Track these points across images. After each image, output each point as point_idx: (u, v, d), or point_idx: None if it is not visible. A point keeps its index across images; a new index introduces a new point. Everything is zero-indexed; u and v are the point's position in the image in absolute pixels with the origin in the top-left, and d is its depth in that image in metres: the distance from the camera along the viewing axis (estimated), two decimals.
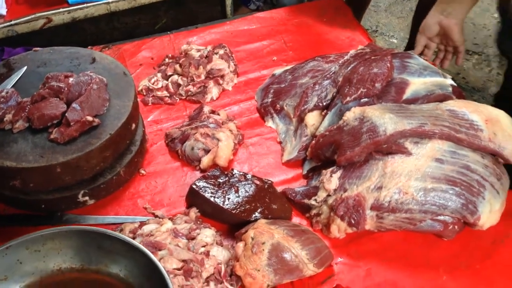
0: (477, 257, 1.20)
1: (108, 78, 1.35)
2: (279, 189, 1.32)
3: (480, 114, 1.23)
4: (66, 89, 1.27)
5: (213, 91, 1.58)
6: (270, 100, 1.53)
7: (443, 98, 1.33)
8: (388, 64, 1.33)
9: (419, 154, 1.17)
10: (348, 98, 1.32)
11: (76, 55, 1.44)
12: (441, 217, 1.16)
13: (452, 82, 1.39)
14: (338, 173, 1.23)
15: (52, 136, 1.20)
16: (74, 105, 1.24)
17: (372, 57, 1.40)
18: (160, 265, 0.80)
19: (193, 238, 1.16)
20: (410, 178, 1.15)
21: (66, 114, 1.22)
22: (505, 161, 1.23)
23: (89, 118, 1.22)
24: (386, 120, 1.19)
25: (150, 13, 2.97)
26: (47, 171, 1.16)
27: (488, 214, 1.16)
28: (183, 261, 1.08)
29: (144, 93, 1.59)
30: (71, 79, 1.31)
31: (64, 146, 1.19)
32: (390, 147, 1.19)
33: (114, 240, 0.85)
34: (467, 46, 2.93)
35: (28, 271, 0.86)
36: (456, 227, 1.18)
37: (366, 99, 1.32)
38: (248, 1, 2.86)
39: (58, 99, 1.27)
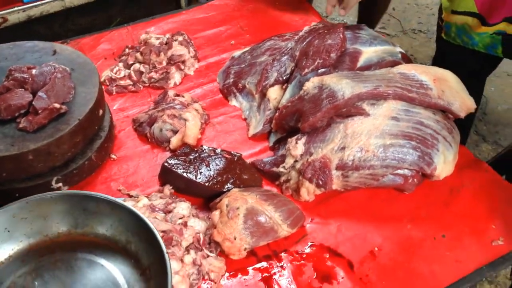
0: (436, 206, 1.29)
1: (70, 67, 1.37)
2: (248, 161, 1.37)
3: (428, 74, 1.32)
4: (30, 79, 1.29)
5: (176, 76, 1.62)
6: (232, 80, 1.58)
7: (393, 64, 1.41)
8: (341, 35, 1.41)
9: (376, 114, 1.25)
10: (306, 70, 1.40)
11: (37, 48, 1.45)
12: (401, 171, 1.24)
13: (401, 50, 1.49)
14: (303, 139, 1.30)
15: (21, 125, 1.22)
16: (40, 93, 1.26)
17: (325, 31, 1.48)
18: (144, 217, 0.84)
19: (169, 212, 1.19)
20: (370, 137, 1.23)
21: (33, 103, 1.23)
22: (454, 116, 1.33)
23: (56, 105, 1.25)
24: (343, 85, 1.26)
25: (104, 13, 2.97)
26: (19, 159, 1.18)
27: (443, 164, 1.26)
28: (163, 232, 1.11)
29: (108, 83, 1.62)
30: (34, 70, 1.32)
31: (34, 134, 1.21)
32: (349, 110, 1.26)
33: (99, 201, 0.88)
34: (412, 26, 3.09)
35: (17, 238, 0.88)
36: (415, 180, 1.27)
37: (323, 69, 1.39)
38: None
39: (23, 89, 1.28)
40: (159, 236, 0.81)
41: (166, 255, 0.77)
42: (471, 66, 1.71)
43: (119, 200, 0.90)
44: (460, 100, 1.31)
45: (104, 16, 2.52)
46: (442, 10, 1.65)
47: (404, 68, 1.35)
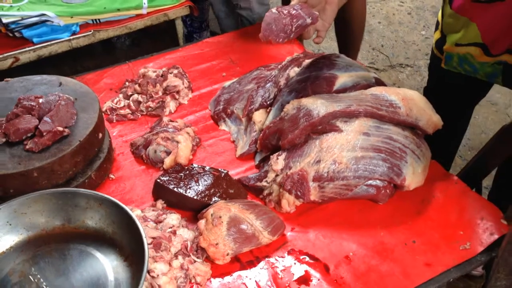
0: (409, 214, 1.38)
1: (74, 97, 1.52)
2: (235, 178, 1.49)
3: (397, 95, 1.45)
4: (37, 106, 1.44)
5: (171, 105, 1.77)
6: (221, 107, 1.72)
7: (367, 87, 1.55)
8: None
9: (349, 130, 1.38)
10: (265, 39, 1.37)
11: (44, 81, 1.61)
12: (373, 182, 1.35)
13: (375, 75, 1.62)
14: (283, 155, 1.42)
15: (27, 147, 1.35)
16: (45, 118, 1.40)
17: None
18: (128, 210, 0.96)
19: (160, 222, 1.31)
20: (343, 150, 1.34)
21: (39, 126, 1.37)
22: (423, 132, 1.45)
23: (60, 128, 1.38)
24: (318, 105, 1.40)
25: (110, 56, 3.18)
26: (25, 176, 1.30)
27: (412, 175, 1.37)
28: (153, 238, 1.22)
29: (109, 113, 1.76)
30: (41, 99, 1.47)
31: (39, 154, 1.34)
32: (324, 127, 1.39)
33: (89, 197, 1.00)
34: (400, 61, 3.26)
35: (17, 231, 0.99)
36: (387, 190, 1.37)
37: (303, 93, 1.52)
38: (192, 38, 3.14)
39: (30, 115, 1.43)
40: (140, 225, 0.92)
41: (145, 240, 0.88)
42: (464, 93, 1.82)
43: (107, 196, 1.02)
44: (427, 117, 1.43)
45: (110, 59, 2.71)
46: (439, 43, 1.71)
47: (376, 89, 1.48)
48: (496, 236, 1.31)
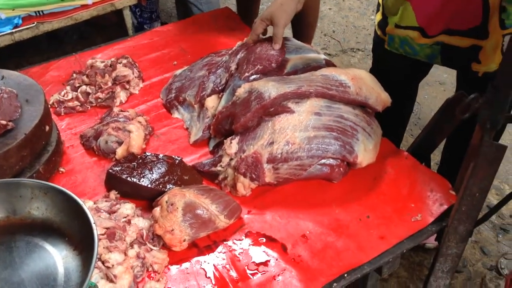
0: (362, 191, 1.41)
1: (18, 90, 1.46)
2: (190, 165, 1.48)
3: (347, 74, 1.47)
4: None
5: (121, 95, 1.73)
6: (173, 95, 1.70)
7: (318, 69, 1.56)
8: (284, 49, 1.56)
9: (301, 111, 1.39)
10: (246, 74, 1.51)
11: None
12: (326, 161, 1.37)
13: (325, 57, 1.64)
14: (237, 139, 1.42)
15: None
16: None
17: (258, 43, 1.62)
18: (74, 196, 0.93)
19: (114, 212, 1.28)
20: (295, 131, 1.35)
21: None
22: (373, 110, 1.48)
23: (3, 122, 1.33)
24: (269, 87, 1.40)
25: (58, 50, 3.08)
26: None
27: (364, 152, 1.39)
28: (106, 228, 1.20)
29: (56, 106, 1.71)
30: None
31: None
32: (276, 109, 1.39)
33: (33, 187, 0.97)
34: (351, 46, 3.31)
35: None
36: (341, 169, 1.40)
37: (254, 76, 1.52)
38: (142, 29, 3.08)
39: None
40: (88, 211, 0.90)
41: (94, 226, 0.86)
42: (406, 73, 1.87)
43: (52, 184, 0.99)
44: (376, 95, 1.46)
45: (59, 55, 2.63)
46: (381, 24, 1.75)
47: (325, 70, 1.50)
48: (445, 207, 1.35)
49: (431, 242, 2.09)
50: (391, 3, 1.61)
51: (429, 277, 1.40)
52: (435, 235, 1.38)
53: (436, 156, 2.35)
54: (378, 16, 1.77)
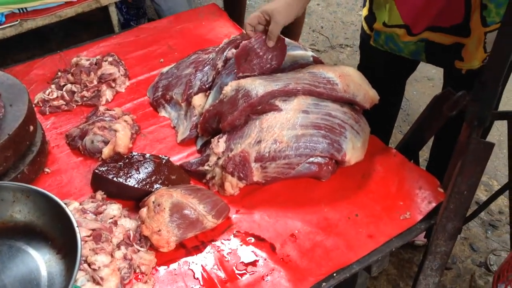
0: (350, 189, 1.41)
1: (1, 89, 1.43)
2: (177, 164, 1.46)
3: (334, 72, 1.46)
4: None
5: (107, 94, 1.71)
6: (160, 93, 1.68)
7: (305, 66, 1.55)
8: (285, 48, 1.52)
9: (288, 109, 1.38)
10: (240, 74, 1.47)
11: None
12: (315, 159, 1.36)
13: (313, 54, 1.63)
14: (224, 138, 1.40)
15: None
16: None
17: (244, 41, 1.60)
18: (57, 199, 0.92)
19: (100, 213, 1.26)
20: (283, 129, 1.34)
21: None
22: (360, 107, 1.47)
23: None
24: (256, 85, 1.38)
25: (43, 48, 3.04)
26: None
27: (352, 150, 1.39)
28: (92, 229, 1.18)
29: (41, 105, 1.68)
30: None
31: None
32: (264, 107, 1.38)
33: (15, 190, 0.95)
34: (339, 42, 3.30)
35: None
36: (329, 167, 1.39)
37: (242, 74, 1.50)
38: (129, 26, 3.04)
39: None
40: (70, 213, 0.89)
41: (77, 229, 0.84)
42: (393, 70, 1.86)
43: (34, 187, 0.97)
44: (363, 92, 1.45)
45: (44, 50, 2.59)
46: (367, 20, 1.73)
47: (313, 68, 1.49)
48: (434, 204, 1.35)
49: (420, 239, 2.09)
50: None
51: (419, 275, 1.40)
52: (425, 232, 1.38)
53: (424, 153, 2.36)
54: (364, 11, 1.75)
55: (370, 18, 1.69)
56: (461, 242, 2.18)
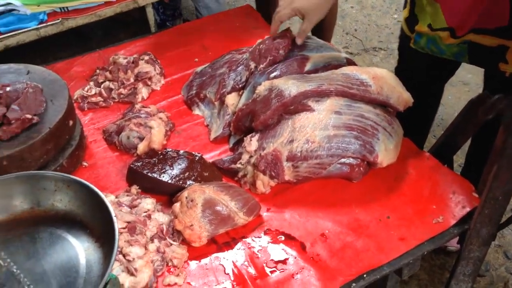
0: (382, 191, 1.40)
1: (43, 85, 1.49)
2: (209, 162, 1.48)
3: (368, 73, 1.46)
4: (4, 94, 1.40)
5: (143, 91, 1.75)
6: (194, 92, 1.71)
7: (339, 67, 1.55)
8: (288, 34, 1.56)
9: (321, 110, 1.38)
10: (261, 65, 1.53)
11: (12, 69, 1.57)
12: (346, 160, 1.36)
13: (346, 55, 1.63)
14: (257, 136, 1.42)
15: None
16: (13, 106, 1.37)
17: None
18: (96, 189, 0.95)
19: (135, 206, 1.30)
20: (315, 129, 1.35)
21: (7, 114, 1.35)
22: (394, 109, 1.46)
23: (29, 116, 1.36)
24: (290, 85, 1.40)
25: (84, 46, 3.12)
26: None
27: (384, 152, 1.38)
28: (127, 222, 1.21)
29: (80, 101, 1.73)
30: (8, 87, 1.44)
31: (8, 142, 1.32)
32: (296, 107, 1.39)
33: (56, 179, 0.99)
34: (373, 45, 3.28)
35: None
36: (361, 168, 1.39)
37: (274, 74, 1.52)
38: (165, 26, 3.10)
39: None
40: (109, 203, 0.92)
41: (115, 219, 0.87)
42: (433, 72, 1.84)
43: (74, 177, 1.01)
44: (397, 95, 1.44)
45: (84, 49, 2.66)
46: (408, 21, 1.71)
47: (346, 69, 1.49)
48: (468, 209, 1.33)
49: (453, 245, 2.06)
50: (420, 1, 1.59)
51: (451, 280, 1.38)
52: (457, 238, 1.36)
53: (459, 158, 2.32)
54: (405, 13, 1.73)
55: (412, 20, 1.67)
56: (495, 250, 2.14)
